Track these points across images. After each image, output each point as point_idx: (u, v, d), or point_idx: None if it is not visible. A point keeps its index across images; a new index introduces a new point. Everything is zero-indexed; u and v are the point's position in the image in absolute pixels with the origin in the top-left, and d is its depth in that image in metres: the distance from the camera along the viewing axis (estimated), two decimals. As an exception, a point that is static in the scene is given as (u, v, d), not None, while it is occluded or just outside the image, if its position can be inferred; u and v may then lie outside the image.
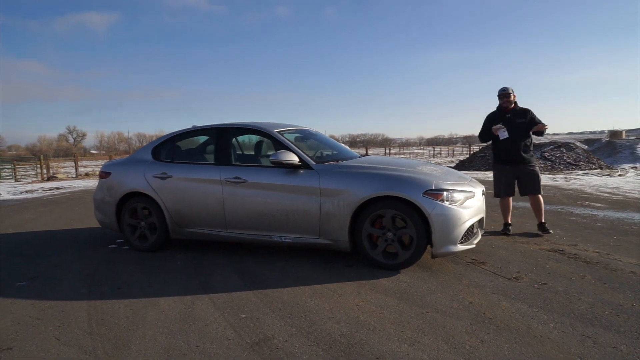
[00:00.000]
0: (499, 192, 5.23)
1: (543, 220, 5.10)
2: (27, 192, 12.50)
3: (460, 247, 3.71)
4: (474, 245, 3.87)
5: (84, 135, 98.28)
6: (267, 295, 3.34)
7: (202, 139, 5.02)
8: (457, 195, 3.73)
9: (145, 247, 4.72)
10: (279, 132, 4.44)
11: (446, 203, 3.64)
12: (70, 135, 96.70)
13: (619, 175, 13.82)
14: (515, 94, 5.11)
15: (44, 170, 21.17)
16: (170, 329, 2.81)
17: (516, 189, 5.20)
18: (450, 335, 2.58)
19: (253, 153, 5.05)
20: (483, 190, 4.16)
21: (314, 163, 4.09)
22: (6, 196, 11.59)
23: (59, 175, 20.70)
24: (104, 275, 3.99)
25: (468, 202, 3.80)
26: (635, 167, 18.66)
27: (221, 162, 4.44)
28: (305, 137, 5.05)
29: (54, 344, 2.67)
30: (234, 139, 4.92)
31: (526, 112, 5.05)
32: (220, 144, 4.55)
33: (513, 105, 5.10)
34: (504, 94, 5.07)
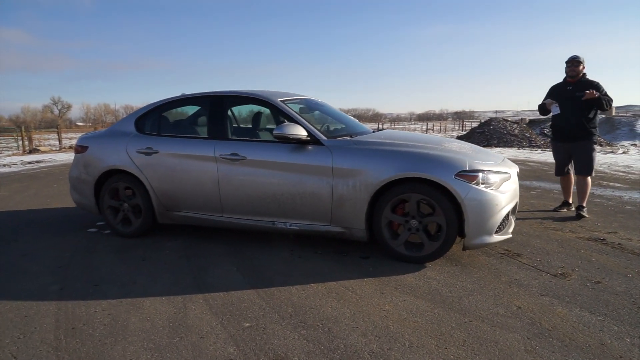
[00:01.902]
0: (555, 171, 5.02)
1: (583, 204, 4.65)
2: (4, 165, 11.74)
3: (497, 238, 3.19)
4: (511, 235, 3.36)
5: (69, 107, 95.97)
6: (273, 295, 2.81)
7: (193, 109, 4.39)
8: (493, 177, 3.19)
9: (129, 232, 4.15)
10: (282, 101, 3.82)
11: (482, 186, 3.11)
12: (55, 107, 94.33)
13: (623, 152, 13.44)
14: (585, 65, 4.60)
15: (26, 143, 20.26)
16: (157, 343, 2.27)
17: None
18: (507, 355, 2.08)
19: (251, 126, 4.44)
20: (518, 171, 3.62)
21: (325, 138, 3.51)
22: (-19, 170, 10.83)
23: (41, 148, 19.81)
24: (80, 267, 3.42)
25: (504, 185, 3.26)
26: (635, 144, 18.34)
27: (215, 136, 3.83)
28: (310, 108, 4.43)
29: (10, 364, 2.12)
30: (230, 110, 4.30)
31: (590, 86, 4.48)
32: (215, 115, 3.92)
33: (580, 75, 4.59)
34: (571, 61, 4.58)
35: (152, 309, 2.65)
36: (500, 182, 3.23)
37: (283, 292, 2.86)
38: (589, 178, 4.63)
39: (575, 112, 4.52)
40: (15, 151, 19.46)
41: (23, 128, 22.22)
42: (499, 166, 3.35)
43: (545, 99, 4.84)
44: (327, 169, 3.37)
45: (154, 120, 4.18)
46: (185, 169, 3.83)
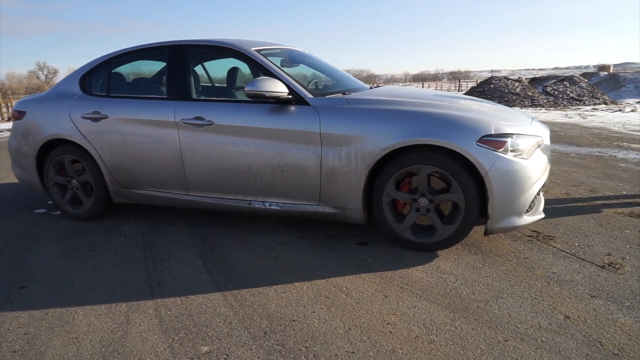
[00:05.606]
0: None
1: None
2: (-28, 134, 10.91)
3: (528, 219, 2.55)
4: (543, 215, 2.71)
5: (55, 72, 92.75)
6: (244, 301, 2.17)
7: (151, 64, 3.62)
8: (523, 143, 2.50)
9: (81, 214, 3.47)
10: (257, 50, 3.07)
11: (510, 155, 2.43)
12: (41, 72, 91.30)
13: (632, 111, 12.72)
14: None
15: (4, 110, 19.25)
16: (77, 383, 1.64)
17: None
18: (566, 400, 1.46)
19: (225, 85, 3.70)
20: (549, 134, 2.94)
21: (311, 96, 2.79)
22: (-53, 140, 10.02)
23: (20, 115, 18.82)
24: (11, 261, 2.76)
25: (537, 152, 2.58)
26: (642, 102, 17.59)
27: (176, 96, 3.09)
28: (293, 60, 3.65)
29: None
30: (199, 64, 3.56)
31: None
32: (175, 70, 3.17)
33: None
34: None
35: (84, 325, 2.01)
36: (532, 149, 2.55)
37: (258, 296, 2.22)
38: None
39: None
40: (-7, 119, 18.49)
41: (1, 94, 21.12)
42: (530, 128, 2.66)
43: None
44: (314, 135, 2.67)
45: (103, 78, 3.42)
46: (141, 137, 3.11)
